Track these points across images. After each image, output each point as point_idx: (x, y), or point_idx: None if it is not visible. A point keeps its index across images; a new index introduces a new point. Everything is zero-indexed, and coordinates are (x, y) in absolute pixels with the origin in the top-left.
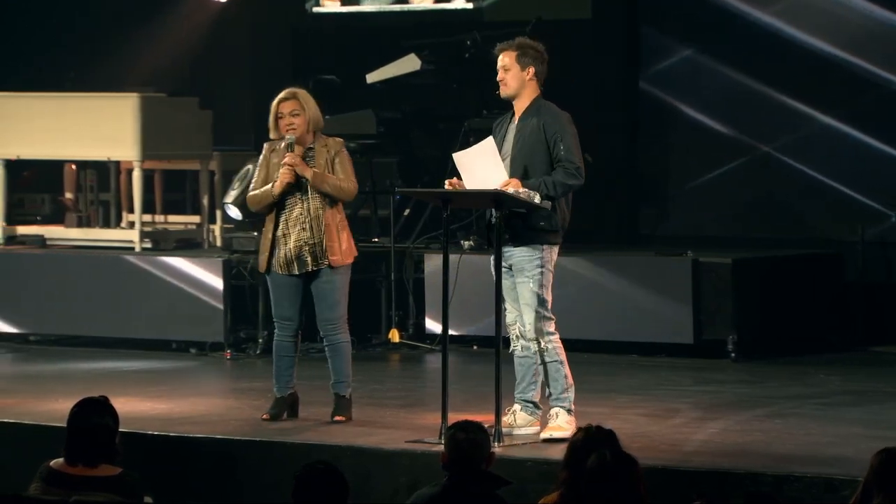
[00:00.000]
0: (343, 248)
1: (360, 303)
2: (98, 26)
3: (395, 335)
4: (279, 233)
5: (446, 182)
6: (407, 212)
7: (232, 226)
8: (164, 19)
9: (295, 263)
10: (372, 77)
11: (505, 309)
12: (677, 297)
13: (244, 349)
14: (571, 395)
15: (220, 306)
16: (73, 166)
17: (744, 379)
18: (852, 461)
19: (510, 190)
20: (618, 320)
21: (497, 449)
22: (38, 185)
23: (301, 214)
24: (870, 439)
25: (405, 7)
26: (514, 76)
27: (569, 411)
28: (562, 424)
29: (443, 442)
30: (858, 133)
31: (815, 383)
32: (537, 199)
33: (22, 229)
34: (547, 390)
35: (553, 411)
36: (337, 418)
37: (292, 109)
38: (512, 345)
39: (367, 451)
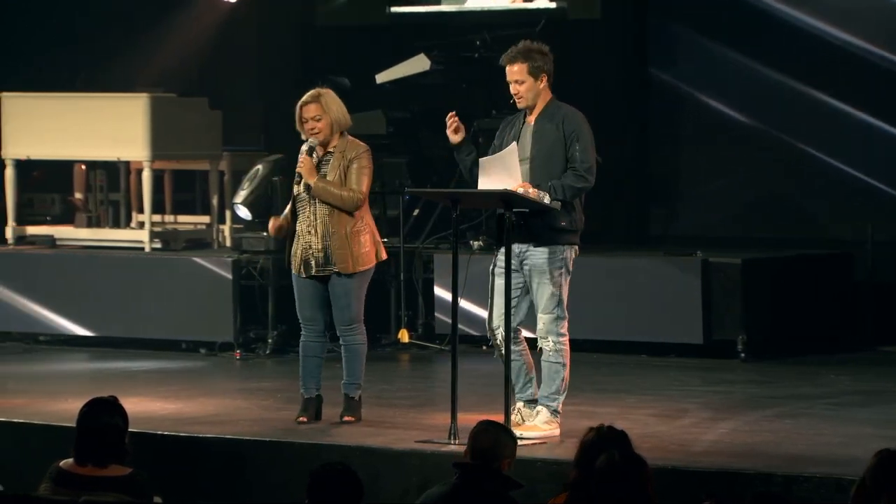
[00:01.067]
0: (357, 255)
1: (369, 303)
2: (108, 27)
3: (404, 335)
4: (296, 233)
5: (449, 116)
6: (416, 212)
7: (241, 226)
8: (174, 20)
9: (303, 266)
10: (381, 77)
11: (492, 310)
12: (687, 298)
13: (254, 349)
14: (562, 398)
15: (230, 306)
16: (83, 166)
17: (753, 379)
18: (862, 461)
19: (519, 190)
20: (627, 320)
21: None
22: (47, 185)
23: (308, 218)
24: (880, 439)
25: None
26: (530, 88)
27: (554, 412)
28: (539, 425)
29: (453, 442)
30: (870, 123)
31: (824, 383)
32: (546, 200)
33: (32, 229)
34: (529, 381)
35: (537, 408)
36: (346, 419)
37: (315, 114)
38: (496, 352)
39: (377, 452)
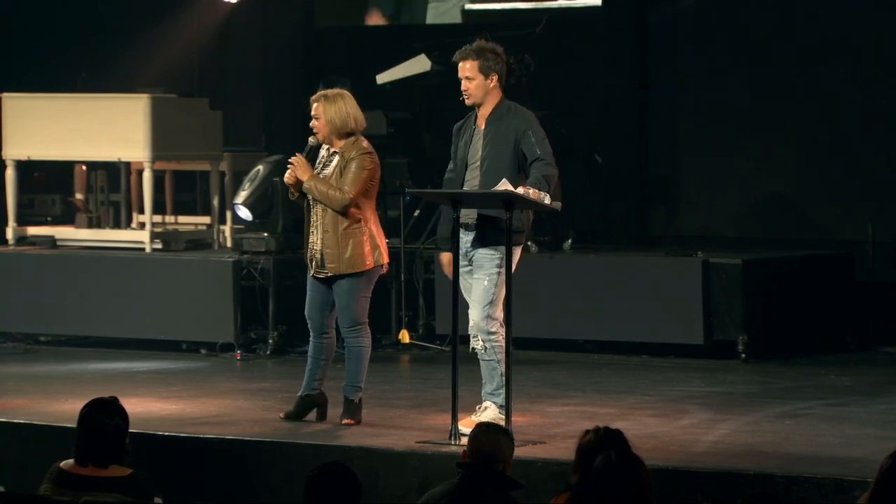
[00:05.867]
0: (347, 256)
1: (370, 303)
2: (109, 27)
3: (405, 336)
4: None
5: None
6: (417, 212)
7: (242, 226)
8: (175, 20)
9: (310, 264)
10: (382, 78)
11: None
12: (687, 298)
13: (254, 350)
14: (503, 391)
15: (231, 307)
16: (84, 167)
17: (754, 379)
18: (863, 462)
19: (520, 190)
20: (628, 321)
21: None
22: (48, 185)
23: (314, 217)
24: (881, 440)
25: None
26: (479, 86)
27: (501, 407)
28: (485, 419)
29: (453, 442)
30: (871, 123)
31: (825, 384)
32: (547, 200)
33: (32, 230)
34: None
35: (484, 404)
36: (345, 421)
37: (315, 113)
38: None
39: (378, 452)
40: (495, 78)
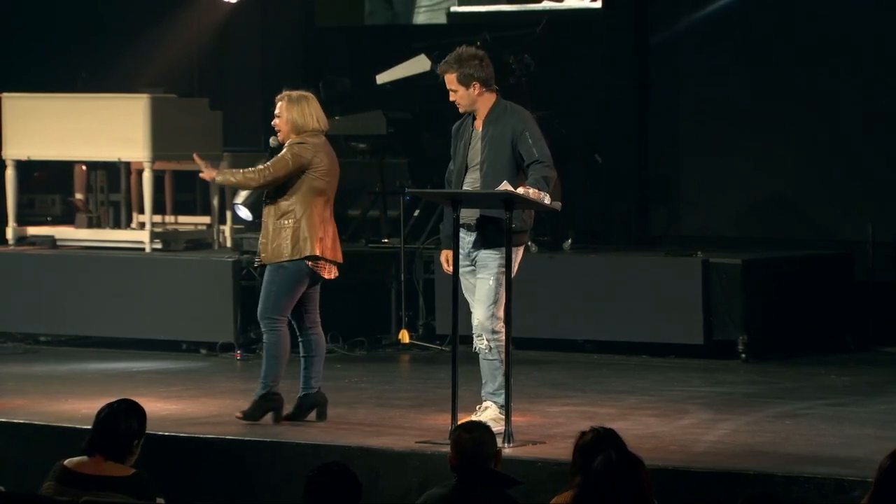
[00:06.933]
0: (272, 247)
1: (370, 303)
2: (109, 27)
3: (404, 336)
4: None
5: (443, 259)
6: (417, 212)
7: (242, 226)
8: (175, 20)
9: None
10: (382, 78)
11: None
12: (687, 298)
13: (254, 350)
14: (503, 392)
15: (231, 307)
16: (84, 167)
17: (754, 379)
18: (863, 462)
19: (520, 190)
20: (628, 321)
21: (507, 449)
22: (48, 185)
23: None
24: (881, 440)
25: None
26: (463, 96)
27: (501, 407)
28: (489, 420)
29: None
30: (871, 123)
31: (825, 384)
32: (547, 200)
33: (32, 230)
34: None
35: (484, 404)
36: (237, 415)
37: (277, 111)
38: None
39: (377, 452)
40: (477, 85)
